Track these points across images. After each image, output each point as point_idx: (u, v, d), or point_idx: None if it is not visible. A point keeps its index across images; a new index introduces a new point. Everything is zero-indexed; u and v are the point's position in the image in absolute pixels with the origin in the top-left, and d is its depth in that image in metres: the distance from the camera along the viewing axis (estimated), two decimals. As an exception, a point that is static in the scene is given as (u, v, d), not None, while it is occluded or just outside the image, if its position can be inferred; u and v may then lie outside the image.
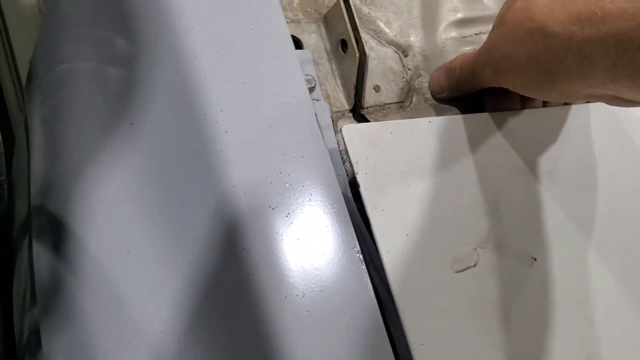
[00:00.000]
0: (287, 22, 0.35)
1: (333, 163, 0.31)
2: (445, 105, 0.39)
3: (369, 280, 0.28)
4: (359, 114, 0.37)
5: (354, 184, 0.31)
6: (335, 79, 0.37)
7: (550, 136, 0.36)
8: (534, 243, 0.32)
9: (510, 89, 0.33)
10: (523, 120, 0.36)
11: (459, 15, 0.42)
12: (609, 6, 0.26)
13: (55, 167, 0.36)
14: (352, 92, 0.36)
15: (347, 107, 0.37)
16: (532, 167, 0.35)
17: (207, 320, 0.28)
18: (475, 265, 0.30)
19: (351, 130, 0.32)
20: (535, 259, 0.32)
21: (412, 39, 0.41)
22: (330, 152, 0.32)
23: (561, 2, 0.28)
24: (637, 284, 0.34)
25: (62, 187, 0.35)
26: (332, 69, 0.37)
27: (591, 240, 0.34)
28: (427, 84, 0.40)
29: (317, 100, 0.35)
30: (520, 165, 0.35)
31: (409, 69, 0.40)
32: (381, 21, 0.40)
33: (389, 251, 0.29)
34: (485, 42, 0.34)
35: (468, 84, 0.36)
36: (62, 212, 0.35)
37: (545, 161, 0.35)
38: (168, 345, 0.29)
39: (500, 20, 0.32)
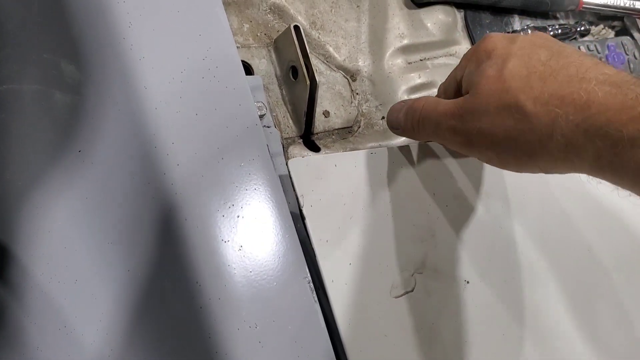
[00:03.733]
0: (238, 47, 0.36)
1: (285, 189, 0.32)
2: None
3: (319, 308, 0.30)
4: (309, 140, 0.38)
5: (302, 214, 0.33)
6: (285, 104, 0.38)
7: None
8: (468, 267, 0.35)
9: (485, 162, 0.31)
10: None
11: (405, 42, 0.44)
12: (594, 89, 0.24)
13: (-3, 190, 0.35)
14: (303, 119, 0.37)
15: (297, 133, 0.38)
16: (467, 192, 0.37)
17: (160, 353, 0.29)
18: (412, 290, 0.32)
19: (297, 163, 0.33)
20: (468, 282, 0.34)
21: (360, 63, 0.42)
22: (281, 178, 0.33)
23: (539, 75, 0.26)
24: (570, 302, 0.38)
25: (6, 210, 0.34)
26: (282, 94, 0.38)
27: (523, 261, 0.37)
28: (374, 109, 0.41)
29: (268, 127, 0.35)
30: (456, 192, 0.37)
31: (357, 94, 0.42)
32: (330, 46, 0.42)
33: (332, 280, 0.31)
34: (454, 105, 0.30)
35: (427, 137, 0.33)
36: (5, 236, 0.34)
37: (480, 186, 0.38)
38: (119, 376, 0.30)
39: (471, 86, 0.29)
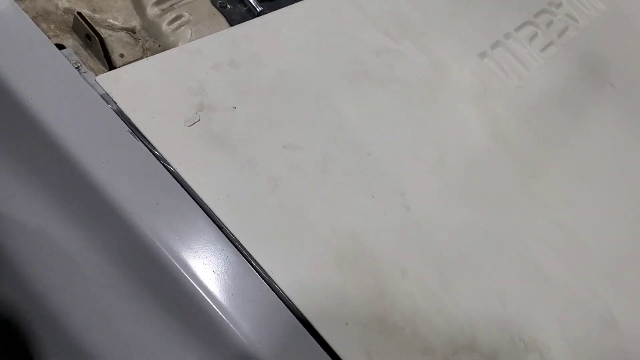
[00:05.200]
0: (50, 37, 0.60)
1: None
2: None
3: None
4: (115, 72, 0.63)
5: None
6: (93, 59, 0.63)
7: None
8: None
9: None
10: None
11: (156, -1, 0.70)
12: None
13: None
14: (106, 63, 0.63)
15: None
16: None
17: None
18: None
19: (107, 77, 0.58)
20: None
21: (133, 23, 0.68)
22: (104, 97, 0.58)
23: None
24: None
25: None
26: (88, 54, 0.63)
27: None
28: (152, 43, 0.67)
29: (85, 72, 0.60)
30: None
31: (139, 39, 0.67)
32: (110, 19, 0.67)
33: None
34: None
35: None
36: None
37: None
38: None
39: None
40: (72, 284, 0.55)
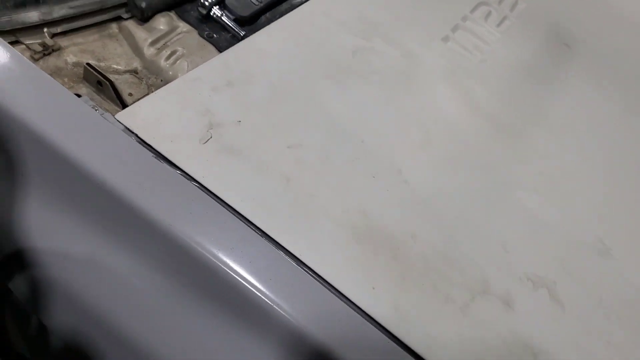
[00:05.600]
0: (68, 88, 0.67)
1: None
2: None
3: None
4: (128, 110, 0.71)
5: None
6: (106, 102, 0.71)
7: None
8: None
9: None
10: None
11: (150, 40, 0.78)
12: None
13: None
14: (119, 103, 0.70)
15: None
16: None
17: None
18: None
19: (126, 114, 0.65)
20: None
21: (135, 65, 0.76)
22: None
23: None
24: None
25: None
26: (101, 99, 0.71)
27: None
28: (154, 79, 0.75)
29: (103, 113, 0.68)
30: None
31: (142, 78, 0.75)
32: (114, 64, 0.75)
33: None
34: None
35: None
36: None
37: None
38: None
39: None
40: (128, 299, 0.62)
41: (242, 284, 0.58)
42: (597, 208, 0.82)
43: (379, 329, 0.58)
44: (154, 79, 0.75)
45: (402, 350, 0.58)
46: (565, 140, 0.89)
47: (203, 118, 0.68)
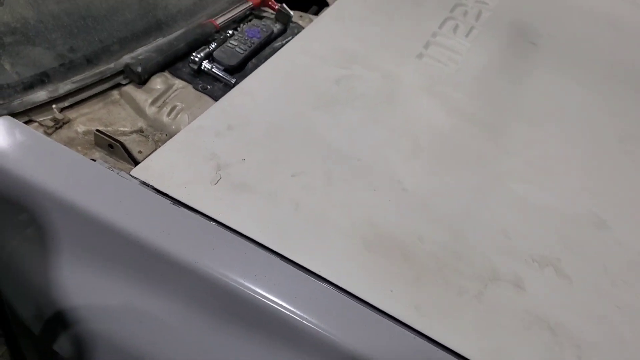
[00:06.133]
0: (83, 154, 0.73)
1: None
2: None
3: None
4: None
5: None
6: (119, 162, 0.77)
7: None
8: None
9: None
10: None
11: (151, 99, 0.85)
12: None
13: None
14: (131, 161, 0.76)
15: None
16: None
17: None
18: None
19: (141, 169, 0.71)
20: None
21: (139, 124, 0.82)
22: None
23: None
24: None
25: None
26: (114, 160, 0.77)
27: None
28: (160, 134, 0.81)
29: (118, 172, 0.74)
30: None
31: (148, 135, 0.81)
32: (120, 127, 0.81)
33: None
34: None
35: None
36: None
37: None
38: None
39: None
40: (167, 338, 0.66)
41: (272, 306, 0.62)
42: (585, 185, 0.87)
43: (404, 328, 0.63)
44: (159, 134, 0.81)
45: (428, 343, 0.62)
46: (544, 128, 0.95)
47: (210, 161, 0.74)
